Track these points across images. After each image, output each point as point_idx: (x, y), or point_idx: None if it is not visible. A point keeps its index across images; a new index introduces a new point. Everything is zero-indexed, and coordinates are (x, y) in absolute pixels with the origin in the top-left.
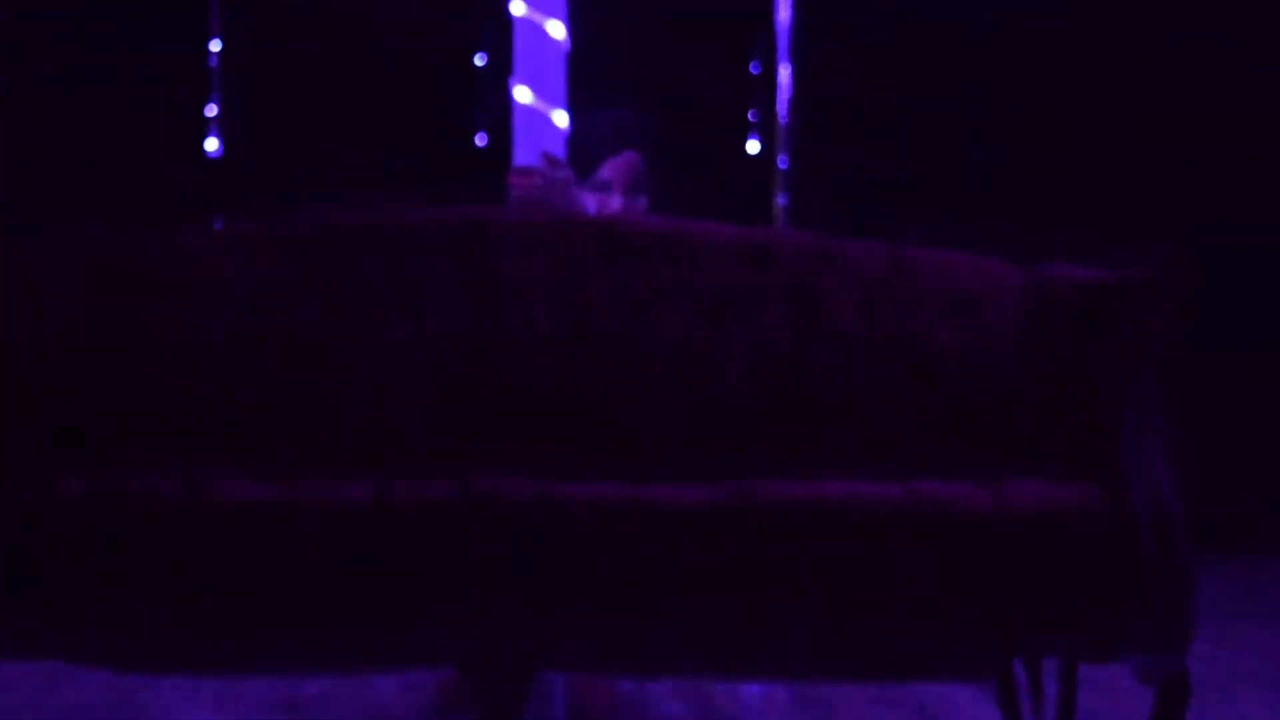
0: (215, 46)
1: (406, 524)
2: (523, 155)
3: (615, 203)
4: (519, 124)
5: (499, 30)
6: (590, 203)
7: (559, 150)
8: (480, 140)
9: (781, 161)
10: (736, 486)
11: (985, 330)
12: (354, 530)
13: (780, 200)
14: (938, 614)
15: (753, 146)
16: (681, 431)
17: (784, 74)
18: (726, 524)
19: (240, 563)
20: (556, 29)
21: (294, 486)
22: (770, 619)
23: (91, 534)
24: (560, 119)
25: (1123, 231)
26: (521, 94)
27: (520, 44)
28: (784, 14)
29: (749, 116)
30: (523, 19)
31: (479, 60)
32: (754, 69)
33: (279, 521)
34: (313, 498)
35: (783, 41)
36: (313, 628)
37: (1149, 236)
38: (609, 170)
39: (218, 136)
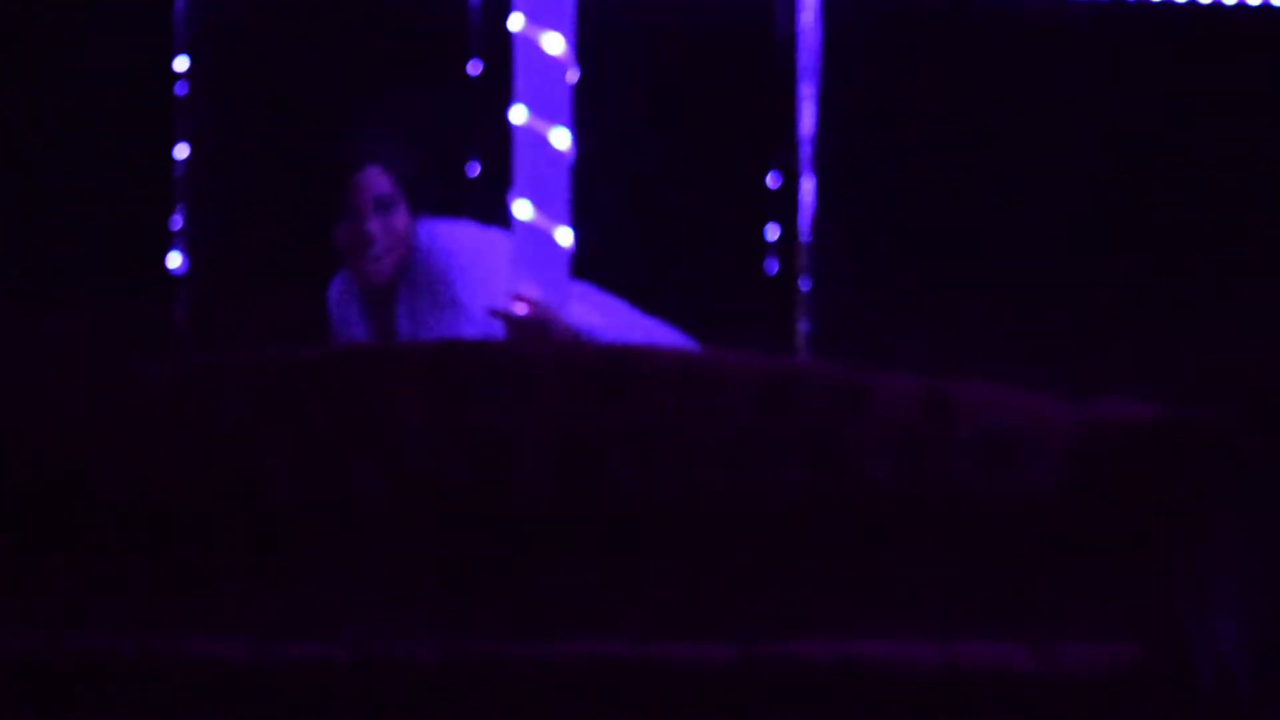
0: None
1: (390, 685)
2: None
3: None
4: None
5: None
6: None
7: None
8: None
9: (804, 283)
10: (754, 646)
11: (1031, 477)
12: (333, 690)
13: (802, 325)
14: None
15: (771, 266)
16: (693, 585)
17: (807, 187)
18: (744, 685)
19: None
20: (560, 139)
21: (265, 645)
22: None
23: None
24: (564, 237)
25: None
26: (522, 209)
27: (521, 154)
28: (807, 123)
29: (767, 233)
30: (524, 128)
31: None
32: (772, 182)
33: (251, 681)
34: (285, 657)
35: (805, 152)
36: None
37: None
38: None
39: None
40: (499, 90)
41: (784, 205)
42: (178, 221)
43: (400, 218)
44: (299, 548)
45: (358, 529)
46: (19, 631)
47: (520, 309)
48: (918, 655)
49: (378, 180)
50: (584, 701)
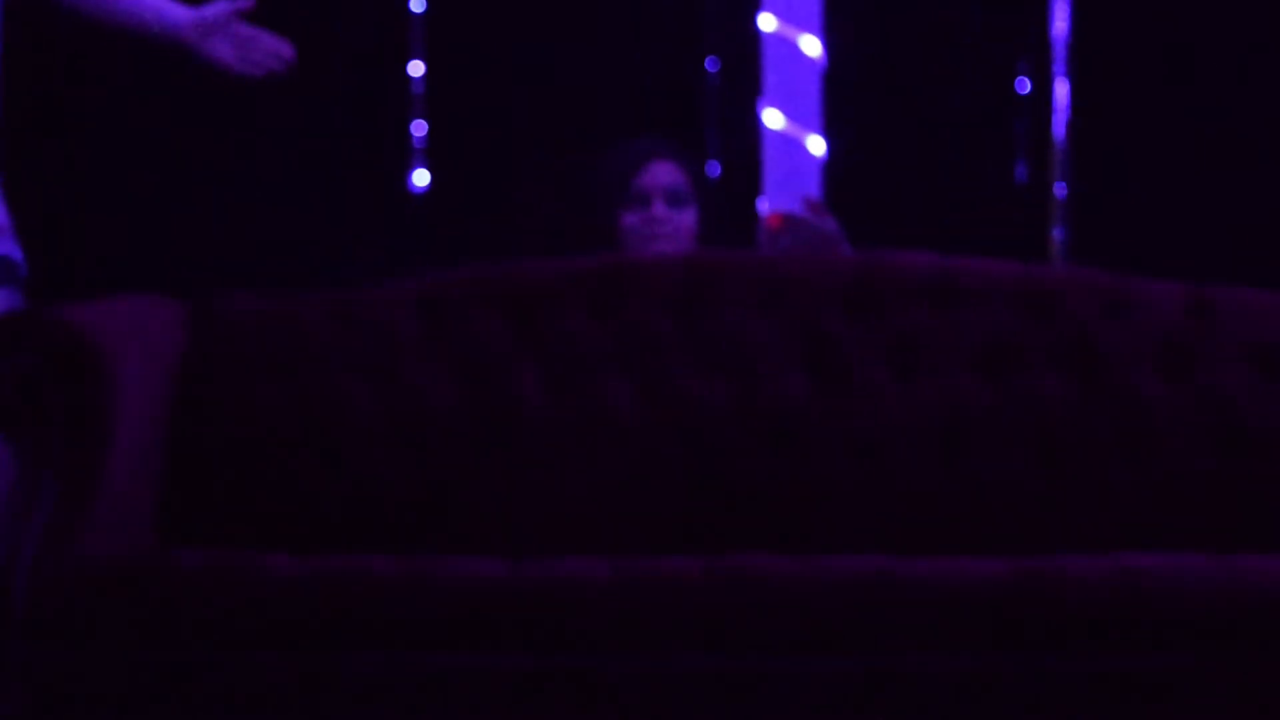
0: (418, 68)
1: (651, 602)
2: (773, 188)
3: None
4: (769, 151)
5: (746, 47)
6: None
7: (815, 187)
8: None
9: (1059, 189)
10: (1023, 560)
11: None
12: (592, 610)
13: (1057, 233)
14: (1265, 709)
15: (1023, 173)
16: (955, 499)
17: (1060, 91)
18: (1014, 600)
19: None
20: (811, 46)
21: (530, 564)
22: (1066, 713)
23: (307, 615)
24: (816, 146)
25: None
26: (772, 118)
27: (771, 62)
28: (1060, 24)
29: (1017, 138)
30: (774, 35)
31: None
32: (1021, 86)
33: (511, 600)
34: (546, 575)
35: (1059, 54)
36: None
37: None
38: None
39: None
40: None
41: (1037, 110)
42: (418, 138)
43: (689, 216)
44: (556, 466)
45: (614, 445)
46: (285, 553)
47: (775, 222)
48: (1196, 567)
49: (671, 173)
50: (846, 614)
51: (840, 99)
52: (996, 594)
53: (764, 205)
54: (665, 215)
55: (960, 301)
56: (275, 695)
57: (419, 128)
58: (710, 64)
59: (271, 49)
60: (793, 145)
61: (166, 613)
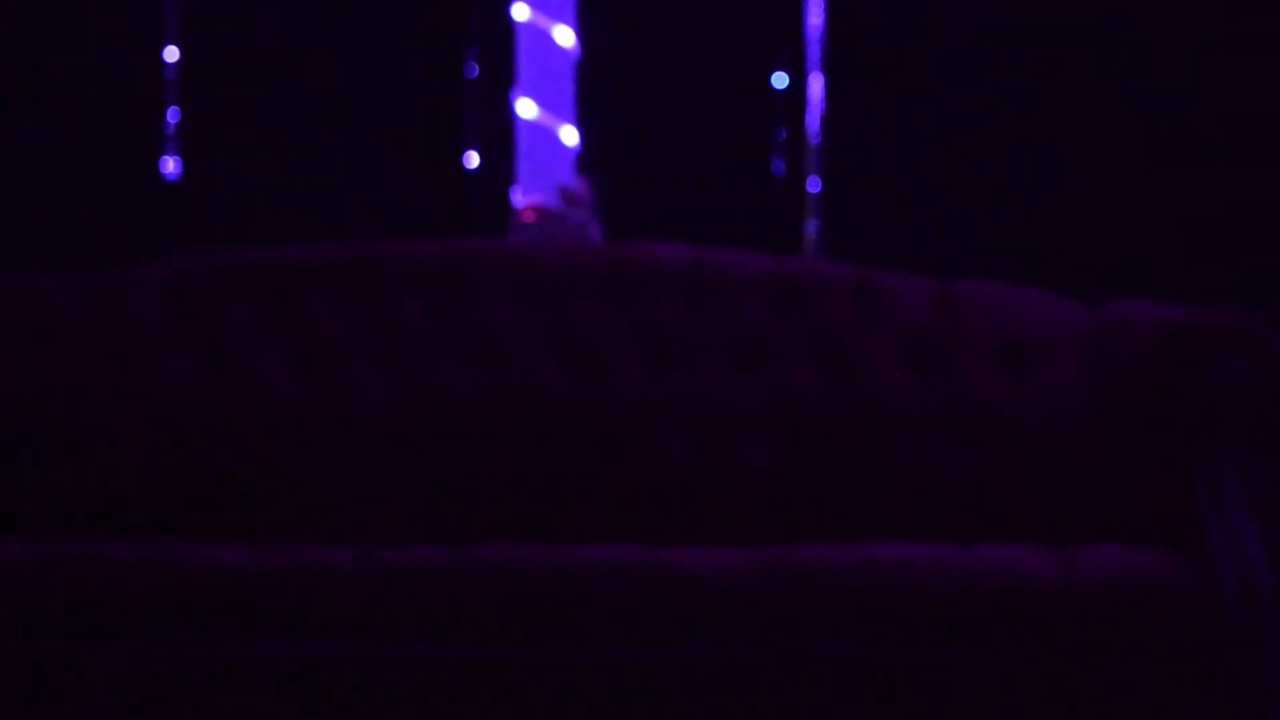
0: (172, 54)
1: (394, 593)
2: (527, 177)
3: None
4: (523, 141)
5: (501, 36)
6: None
7: (569, 177)
8: (469, 161)
9: (812, 184)
10: (768, 549)
11: (1047, 379)
12: (335, 599)
13: (810, 227)
14: (997, 696)
15: (779, 167)
16: (703, 489)
17: (814, 86)
18: (758, 588)
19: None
20: (564, 36)
21: (269, 551)
22: (803, 700)
23: (38, 602)
24: (570, 136)
25: (1217, 274)
26: (526, 108)
27: (525, 52)
28: (815, 19)
29: (773, 132)
30: (528, 24)
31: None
32: (778, 81)
33: (254, 589)
34: (290, 564)
35: (814, 49)
36: (291, 706)
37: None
38: (578, 186)
39: (177, 156)
40: None
41: (793, 104)
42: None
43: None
44: (302, 453)
45: (362, 434)
46: (19, 540)
47: (529, 215)
48: (937, 558)
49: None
50: (594, 607)
51: (594, 89)
52: (744, 582)
53: (518, 195)
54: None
55: (712, 293)
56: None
57: (173, 115)
58: (468, 53)
59: None
60: (546, 135)
61: None
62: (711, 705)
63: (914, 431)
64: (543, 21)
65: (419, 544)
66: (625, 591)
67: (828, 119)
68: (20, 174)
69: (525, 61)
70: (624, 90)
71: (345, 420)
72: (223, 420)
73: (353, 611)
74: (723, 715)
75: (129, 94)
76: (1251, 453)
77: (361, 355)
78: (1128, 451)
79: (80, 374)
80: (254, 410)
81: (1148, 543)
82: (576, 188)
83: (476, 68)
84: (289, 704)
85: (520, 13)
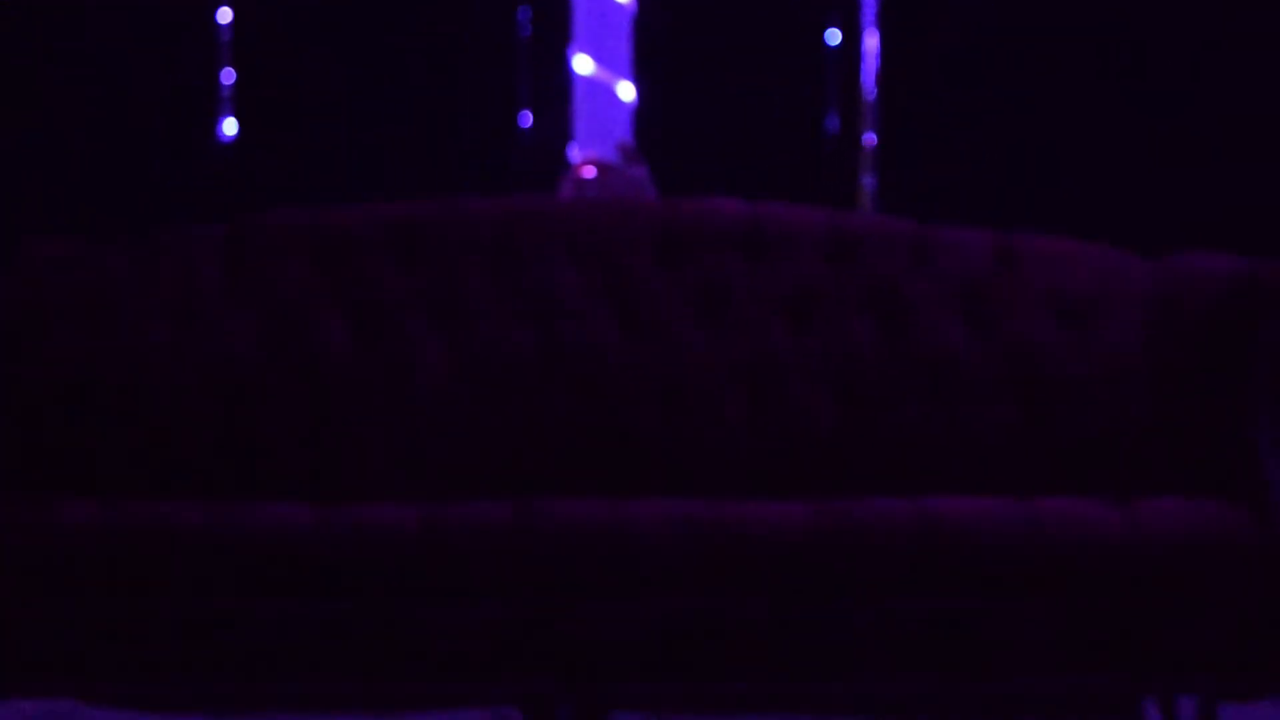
0: (225, 15)
1: (458, 550)
2: (584, 134)
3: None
4: (580, 97)
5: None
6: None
7: (626, 133)
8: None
9: (868, 139)
10: (828, 503)
11: (1106, 334)
12: (400, 557)
13: (867, 182)
14: (1061, 648)
15: (833, 121)
16: (762, 445)
17: (869, 42)
18: (819, 544)
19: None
20: None
21: (333, 510)
22: (866, 654)
23: (106, 563)
24: (626, 92)
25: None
26: (583, 63)
27: (581, 8)
28: None
29: (828, 88)
30: None
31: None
32: (830, 39)
33: (318, 548)
34: (353, 522)
35: (869, 5)
36: (356, 663)
37: None
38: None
39: (233, 116)
40: None
41: (847, 60)
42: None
43: None
44: (362, 412)
45: (420, 392)
46: (86, 501)
47: (588, 170)
48: (998, 512)
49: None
50: (656, 561)
51: (650, 45)
52: (805, 537)
53: (574, 152)
54: None
55: (768, 248)
56: (80, 643)
57: (227, 76)
58: (521, 12)
59: None
60: (603, 91)
61: None
62: (772, 660)
63: (972, 385)
64: None
65: (481, 500)
66: (687, 546)
67: (883, 74)
68: (78, 137)
69: (581, 18)
70: (680, 46)
71: (404, 378)
72: (282, 380)
73: (416, 568)
74: (783, 669)
75: (184, 56)
76: None
77: (419, 313)
78: (1188, 404)
79: (141, 335)
80: (313, 369)
81: (1208, 495)
82: (633, 145)
83: (531, 24)
84: (354, 662)
85: None
